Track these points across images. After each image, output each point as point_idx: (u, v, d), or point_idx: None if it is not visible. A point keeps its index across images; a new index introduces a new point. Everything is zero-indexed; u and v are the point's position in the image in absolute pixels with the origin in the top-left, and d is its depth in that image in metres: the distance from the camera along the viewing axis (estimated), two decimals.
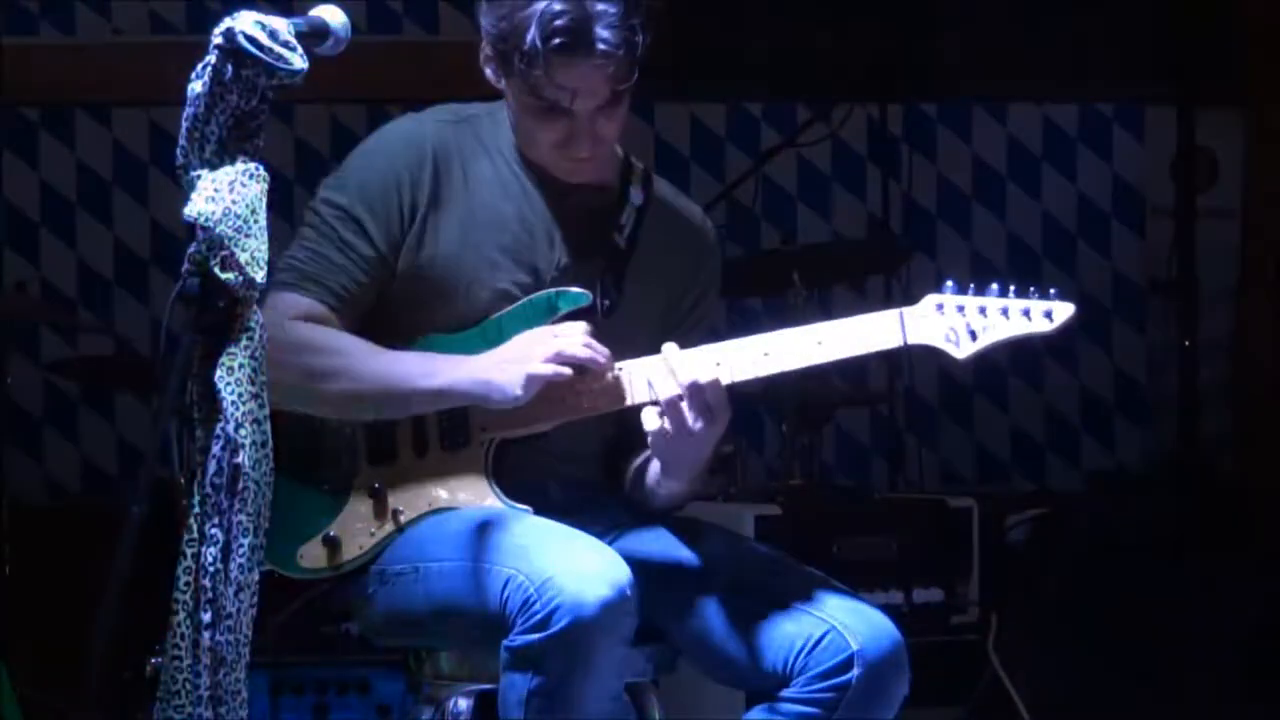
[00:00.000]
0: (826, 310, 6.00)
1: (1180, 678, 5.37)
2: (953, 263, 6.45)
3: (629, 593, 3.14)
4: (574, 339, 3.29)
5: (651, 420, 3.27)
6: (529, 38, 3.23)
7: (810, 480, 5.30)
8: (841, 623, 3.27)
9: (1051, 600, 5.54)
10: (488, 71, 3.40)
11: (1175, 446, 6.36)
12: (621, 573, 3.16)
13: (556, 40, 3.22)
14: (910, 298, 3.25)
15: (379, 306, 3.43)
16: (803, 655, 3.27)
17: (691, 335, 3.43)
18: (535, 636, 3.12)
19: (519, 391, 3.27)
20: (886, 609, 3.34)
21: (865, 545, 5.15)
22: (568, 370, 3.28)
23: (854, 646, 3.25)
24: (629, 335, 3.39)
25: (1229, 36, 6.27)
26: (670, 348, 3.28)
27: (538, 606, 3.12)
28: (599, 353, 3.30)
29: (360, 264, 3.38)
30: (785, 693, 3.29)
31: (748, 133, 6.52)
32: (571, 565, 3.14)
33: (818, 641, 3.27)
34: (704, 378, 3.24)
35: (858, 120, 6.35)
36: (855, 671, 3.25)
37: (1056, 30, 6.28)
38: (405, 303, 3.42)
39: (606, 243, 3.45)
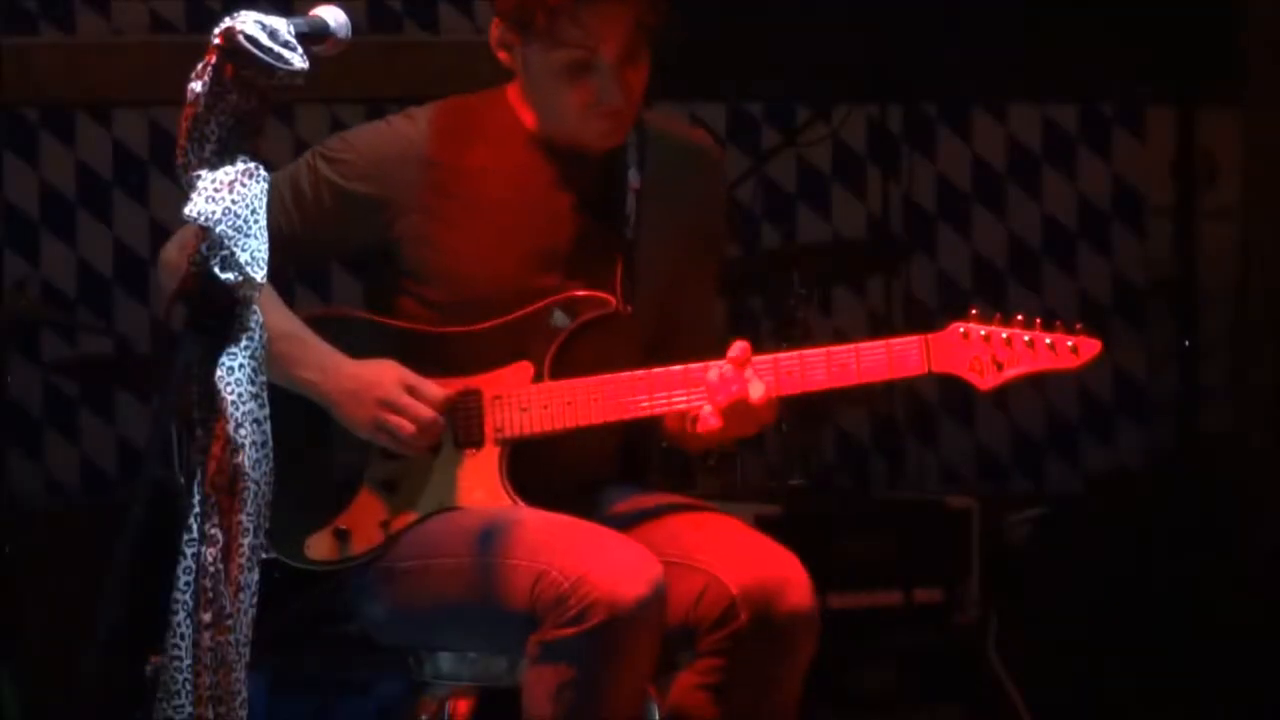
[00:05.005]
0: (826, 310, 6.01)
1: (1180, 677, 5.37)
2: (953, 263, 6.45)
3: (663, 589, 3.15)
4: (406, 425, 3.33)
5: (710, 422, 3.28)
6: None
7: (810, 480, 5.30)
8: (720, 570, 3.25)
9: (1051, 600, 5.54)
10: (501, 53, 3.42)
11: (1175, 446, 6.35)
12: (655, 569, 3.16)
13: None
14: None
15: (390, 289, 3.43)
16: (693, 610, 3.25)
17: (708, 289, 3.48)
18: (569, 632, 3.12)
19: (358, 432, 3.36)
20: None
21: (865, 545, 5.14)
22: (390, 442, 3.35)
23: (734, 592, 3.23)
24: (641, 317, 3.40)
25: (1229, 37, 6.27)
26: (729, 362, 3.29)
27: (571, 602, 3.12)
28: (418, 441, 3.34)
29: (307, 214, 3.43)
30: (696, 649, 3.27)
31: (748, 133, 6.51)
32: (605, 561, 3.15)
33: (700, 594, 3.25)
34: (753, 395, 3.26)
35: (857, 120, 6.35)
36: (742, 616, 3.23)
37: (1056, 30, 6.27)
38: (412, 291, 3.42)
39: (615, 235, 3.43)
